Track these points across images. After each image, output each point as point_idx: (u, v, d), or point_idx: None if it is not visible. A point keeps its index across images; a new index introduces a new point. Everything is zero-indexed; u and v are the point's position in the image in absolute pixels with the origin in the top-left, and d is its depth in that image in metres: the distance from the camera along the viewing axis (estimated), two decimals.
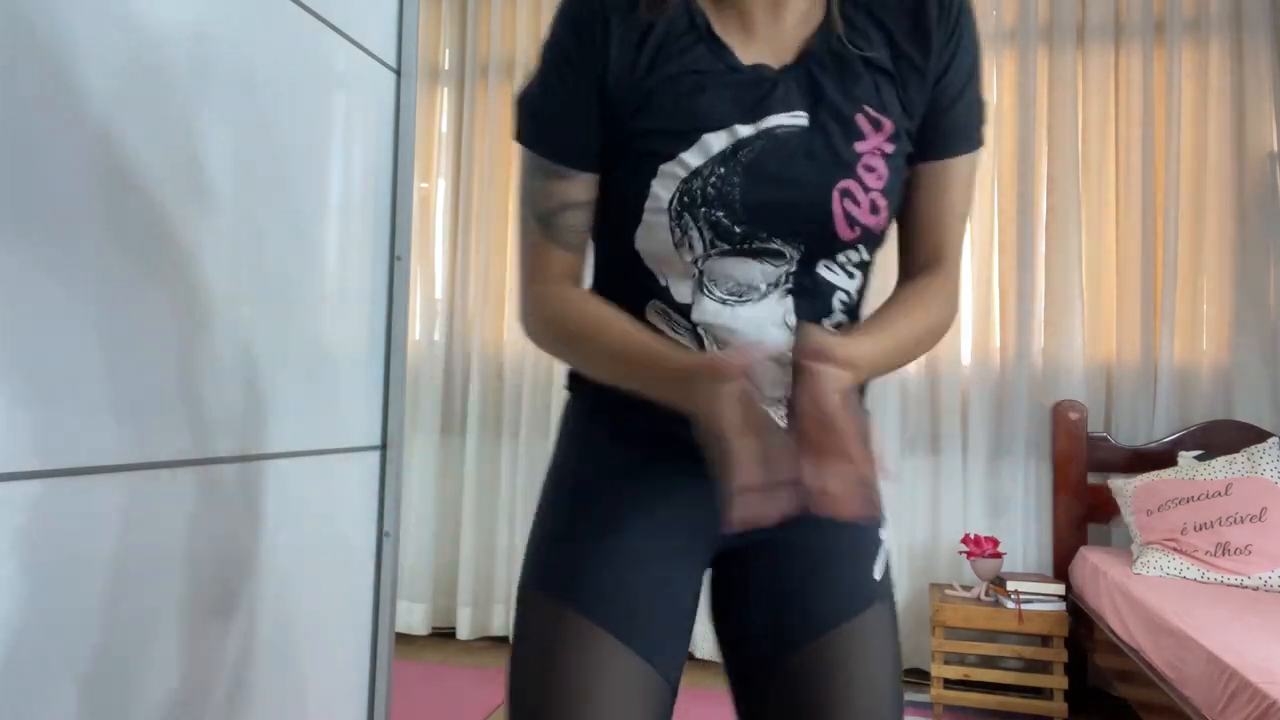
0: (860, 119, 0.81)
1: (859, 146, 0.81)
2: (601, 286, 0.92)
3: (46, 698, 0.94)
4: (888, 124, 0.82)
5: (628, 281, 0.87)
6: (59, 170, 0.94)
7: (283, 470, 1.30)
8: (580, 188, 0.85)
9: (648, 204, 0.82)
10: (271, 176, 1.27)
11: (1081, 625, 2.62)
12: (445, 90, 3.50)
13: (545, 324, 0.86)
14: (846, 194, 0.81)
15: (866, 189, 0.81)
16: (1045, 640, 2.67)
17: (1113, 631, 2.31)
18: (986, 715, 2.66)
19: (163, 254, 1.07)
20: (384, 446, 1.56)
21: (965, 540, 2.77)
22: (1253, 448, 2.61)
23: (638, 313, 0.86)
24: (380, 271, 1.55)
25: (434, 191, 3.49)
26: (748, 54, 0.82)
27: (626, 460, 0.90)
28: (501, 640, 3.32)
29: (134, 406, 1.03)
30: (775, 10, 0.82)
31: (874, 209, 0.82)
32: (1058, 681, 2.59)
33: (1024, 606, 2.58)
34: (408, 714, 2.56)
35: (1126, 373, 2.94)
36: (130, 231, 1.02)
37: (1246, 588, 2.36)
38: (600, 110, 0.83)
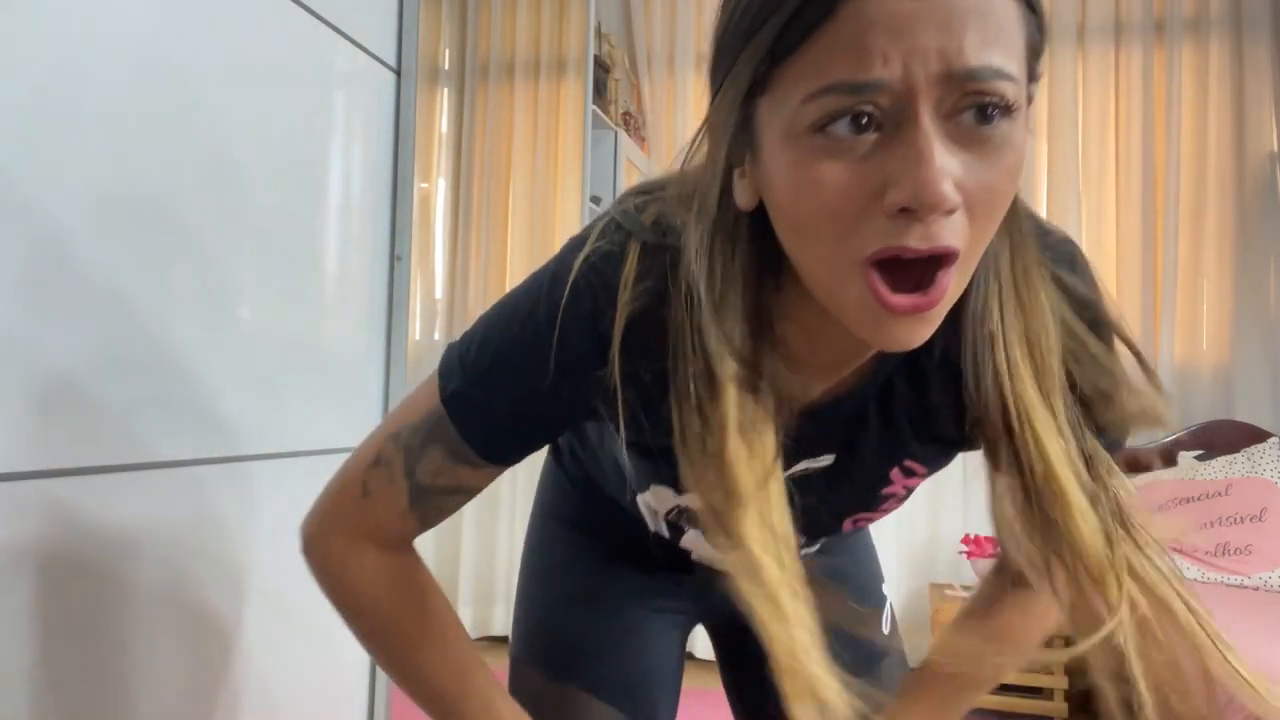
0: (895, 473, 0.70)
1: (886, 491, 0.72)
2: (590, 468, 0.89)
3: (46, 696, 0.94)
4: (921, 471, 0.71)
5: (616, 485, 0.83)
6: (59, 170, 0.93)
7: (282, 470, 1.30)
8: (484, 478, 0.69)
9: (637, 501, 0.78)
10: (271, 176, 1.26)
11: None
12: (445, 90, 3.50)
13: (350, 592, 0.74)
14: (859, 519, 0.76)
15: (885, 511, 0.75)
16: (1045, 640, 2.66)
17: None
18: (986, 715, 2.65)
19: (161, 253, 1.07)
20: None
21: (965, 540, 2.76)
22: (1253, 448, 2.61)
23: (626, 496, 0.80)
24: (380, 271, 1.55)
25: (434, 191, 3.49)
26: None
27: (604, 529, 0.91)
28: (501, 640, 3.32)
29: (134, 406, 1.03)
30: (833, 368, 0.64)
31: (888, 510, 0.75)
32: (1057, 681, 2.59)
33: None
34: (408, 714, 2.56)
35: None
36: (129, 231, 1.02)
37: (1246, 588, 2.36)
38: (575, 420, 0.68)
